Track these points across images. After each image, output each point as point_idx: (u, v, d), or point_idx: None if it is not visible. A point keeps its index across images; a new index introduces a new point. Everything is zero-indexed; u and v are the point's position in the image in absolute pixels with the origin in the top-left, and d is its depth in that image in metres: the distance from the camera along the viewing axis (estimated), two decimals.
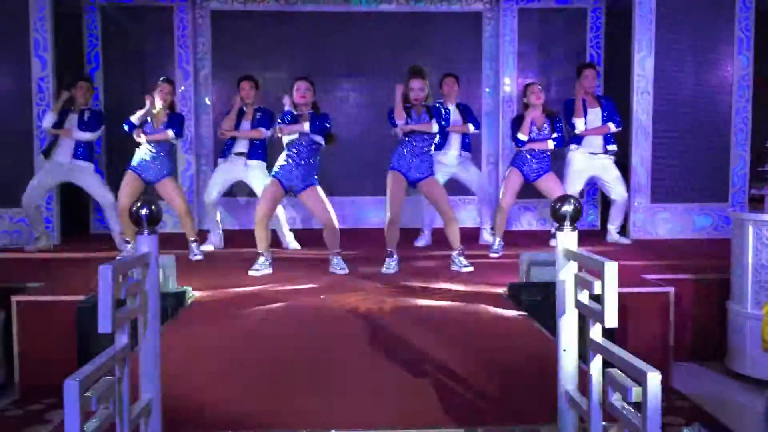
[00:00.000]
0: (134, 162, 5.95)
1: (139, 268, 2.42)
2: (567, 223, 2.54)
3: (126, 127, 5.87)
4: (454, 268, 5.44)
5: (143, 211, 2.50)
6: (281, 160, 5.35)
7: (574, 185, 6.51)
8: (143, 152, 5.94)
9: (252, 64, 7.94)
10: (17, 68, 6.81)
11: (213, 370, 3.31)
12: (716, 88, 7.03)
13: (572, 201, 2.55)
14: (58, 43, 6.94)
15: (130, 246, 5.91)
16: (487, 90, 8.18)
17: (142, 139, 5.91)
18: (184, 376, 3.16)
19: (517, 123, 6.11)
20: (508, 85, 7.96)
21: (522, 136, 5.98)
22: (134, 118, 5.85)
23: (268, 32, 8.09)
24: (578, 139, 6.52)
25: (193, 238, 6.08)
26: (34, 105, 6.81)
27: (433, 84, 5.65)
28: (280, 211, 6.56)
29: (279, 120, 5.33)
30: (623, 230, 6.85)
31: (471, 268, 5.37)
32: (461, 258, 5.44)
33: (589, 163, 6.53)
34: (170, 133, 5.94)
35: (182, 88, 7.80)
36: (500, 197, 6.19)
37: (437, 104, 6.02)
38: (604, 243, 6.60)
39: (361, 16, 8.17)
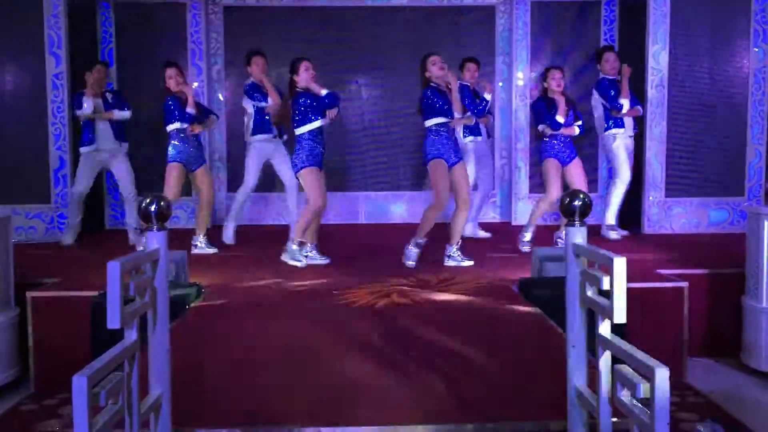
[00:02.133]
0: (179, 154, 5.97)
1: (149, 264, 2.43)
2: (577, 218, 2.53)
3: (186, 118, 5.93)
4: (451, 263, 5.33)
5: (152, 207, 2.52)
6: (311, 148, 5.18)
7: (629, 169, 6.46)
8: (186, 142, 6.00)
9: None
10: (32, 65, 6.85)
11: (223, 365, 3.32)
12: (732, 81, 6.95)
13: (582, 196, 2.53)
14: (72, 39, 6.98)
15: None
16: (500, 84, 8.14)
17: (197, 129, 6.03)
18: (194, 372, 3.17)
19: (542, 106, 5.96)
20: (521, 79, 7.92)
21: (560, 119, 5.86)
22: (191, 110, 5.94)
23: (280, 27, 8.09)
24: (620, 123, 6.43)
25: (204, 232, 6.13)
26: (48, 101, 6.85)
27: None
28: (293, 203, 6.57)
29: (325, 103, 5.18)
30: (629, 225, 6.76)
31: (471, 262, 5.29)
32: (459, 252, 5.35)
33: (629, 145, 6.54)
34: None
35: (195, 84, 7.83)
36: (548, 191, 5.94)
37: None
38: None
39: (373, 10, 8.15)
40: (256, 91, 6.35)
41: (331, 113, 5.18)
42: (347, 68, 8.15)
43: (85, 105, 6.30)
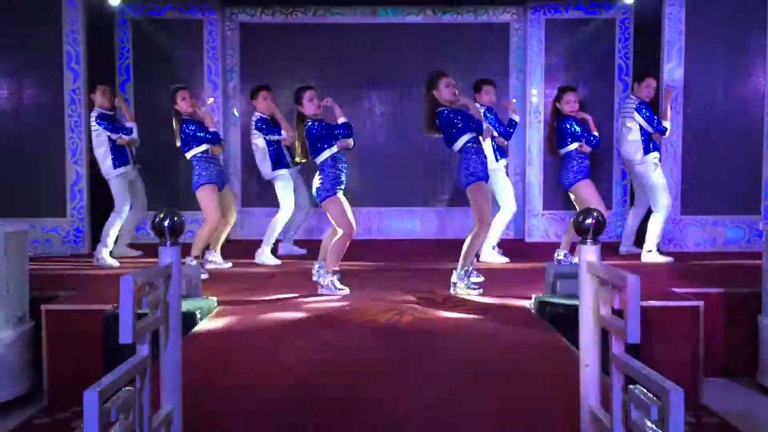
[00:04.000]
0: (211, 175, 5.78)
1: (162, 279, 2.44)
2: (590, 236, 2.51)
3: (214, 138, 5.79)
4: (460, 292, 4.99)
5: (166, 222, 2.53)
6: (335, 176, 4.96)
7: (668, 194, 6.34)
8: (212, 163, 5.82)
9: (280, 75, 8.02)
10: (50, 80, 6.93)
11: (235, 381, 3.32)
12: (748, 98, 6.90)
13: (595, 214, 2.52)
14: (91, 55, 7.07)
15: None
16: (513, 100, 8.12)
17: (219, 151, 5.94)
18: (206, 387, 3.17)
19: (574, 123, 5.79)
20: (536, 96, 7.92)
21: (596, 134, 5.85)
22: (214, 129, 5.84)
23: (296, 44, 8.15)
24: (656, 146, 6.32)
25: (218, 248, 6.15)
26: (66, 116, 6.93)
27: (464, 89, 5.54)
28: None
29: (338, 132, 5.01)
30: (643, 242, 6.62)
31: (479, 291, 4.96)
32: (467, 278, 5.01)
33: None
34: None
35: (211, 100, 7.88)
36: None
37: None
38: (634, 256, 6.49)
39: (388, 27, 8.19)
40: (267, 125, 6.40)
41: (345, 143, 5.01)
42: (361, 84, 8.19)
43: (134, 132, 6.37)
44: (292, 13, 8.13)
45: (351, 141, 5.07)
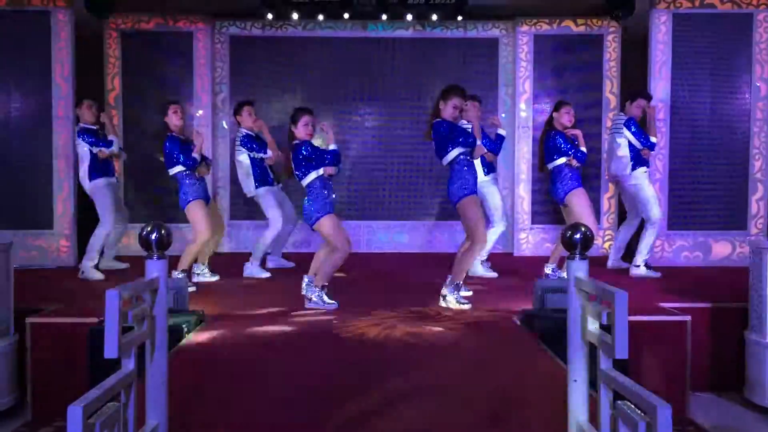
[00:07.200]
0: (197, 191, 5.79)
1: (148, 292, 2.42)
2: (578, 251, 2.52)
3: (189, 164, 5.76)
4: (443, 303, 5.00)
5: (153, 236, 2.51)
6: (324, 196, 4.95)
7: (659, 207, 6.37)
8: (196, 180, 5.82)
9: (269, 88, 8.04)
10: (38, 92, 6.91)
11: (222, 395, 3.29)
12: (734, 115, 6.98)
13: (583, 229, 2.53)
14: (79, 67, 7.05)
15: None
16: (503, 115, 8.17)
17: (204, 172, 5.94)
18: (192, 402, 3.14)
19: (564, 138, 5.83)
20: (524, 110, 7.96)
21: (584, 149, 5.87)
22: (197, 155, 5.80)
23: (285, 57, 8.16)
24: (645, 161, 6.33)
25: (206, 261, 6.11)
26: (54, 128, 6.90)
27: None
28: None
29: (327, 158, 5.02)
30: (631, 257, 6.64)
31: (468, 305, 4.96)
32: (457, 292, 5.00)
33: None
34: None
35: (200, 112, 7.88)
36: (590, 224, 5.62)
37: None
38: (621, 270, 6.52)
39: (377, 41, 8.22)
40: (253, 143, 6.36)
41: (330, 171, 5.02)
42: (351, 98, 8.21)
43: (115, 144, 6.31)
44: (282, 26, 8.14)
45: (335, 169, 5.10)
